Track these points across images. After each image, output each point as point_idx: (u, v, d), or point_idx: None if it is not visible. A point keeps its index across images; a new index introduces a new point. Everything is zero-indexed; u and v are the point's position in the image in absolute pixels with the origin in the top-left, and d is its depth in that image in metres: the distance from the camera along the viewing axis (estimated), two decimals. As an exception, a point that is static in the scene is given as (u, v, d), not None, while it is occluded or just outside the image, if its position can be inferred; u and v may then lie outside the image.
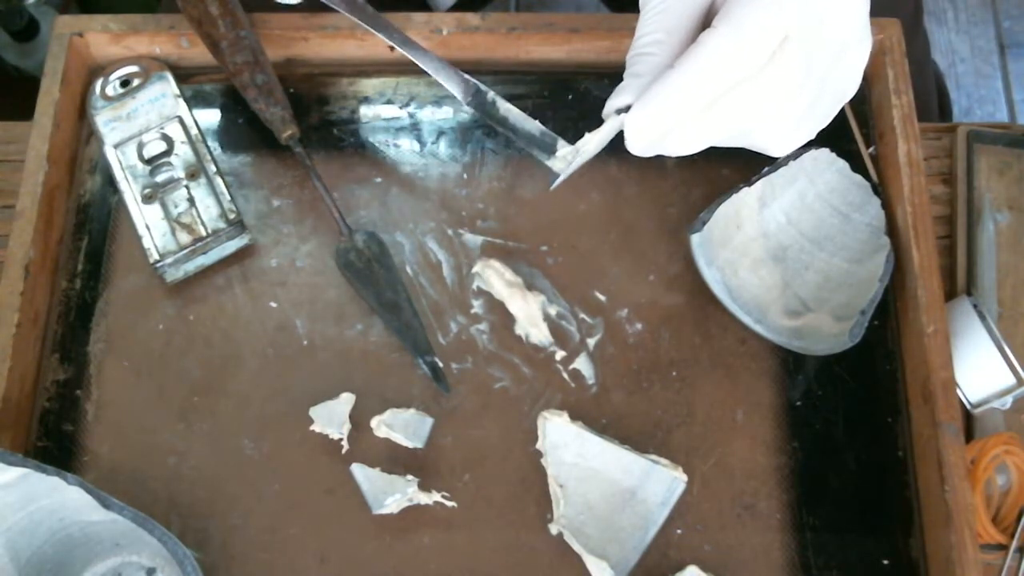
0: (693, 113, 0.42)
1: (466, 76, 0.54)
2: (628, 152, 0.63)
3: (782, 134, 0.45)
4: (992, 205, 0.65)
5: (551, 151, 0.50)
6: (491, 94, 0.52)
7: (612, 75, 0.65)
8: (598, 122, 0.64)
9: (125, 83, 0.63)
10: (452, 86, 0.54)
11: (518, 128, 0.51)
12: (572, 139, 0.64)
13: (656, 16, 0.44)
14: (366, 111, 0.65)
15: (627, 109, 0.43)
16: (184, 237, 0.60)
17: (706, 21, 0.44)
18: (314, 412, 0.56)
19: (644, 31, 0.44)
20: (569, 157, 0.48)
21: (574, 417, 0.55)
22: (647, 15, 0.44)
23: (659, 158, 0.63)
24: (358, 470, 0.55)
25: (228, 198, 0.61)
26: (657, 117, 0.42)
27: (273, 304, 0.60)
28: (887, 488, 0.56)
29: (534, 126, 0.51)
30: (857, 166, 0.60)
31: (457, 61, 0.65)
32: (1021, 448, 0.58)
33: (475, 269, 0.60)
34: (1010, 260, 0.64)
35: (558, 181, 0.48)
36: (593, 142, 0.46)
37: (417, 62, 0.55)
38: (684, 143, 0.44)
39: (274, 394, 0.57)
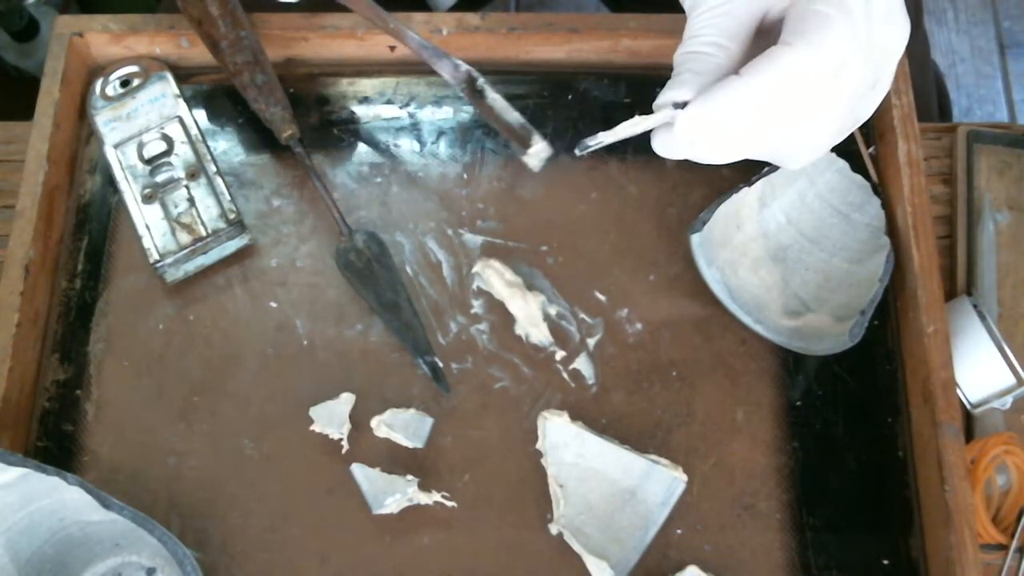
0: (751, 123, 0.42)
1: (457, 61, 0.54)
2: (628, 152, 0.63)
3: (808, 152, 0.45)
4: (992, 205, 0.65)
5: (526, 145, 0.50)
6: (481, 80, 0.52)
7: (612, 75, 0.65)
8: (597, 121, 0.65)
9: (125, 83, 0.63)
10: (443, 69, 0.54)
11: (501, 118, 0.51)
12: (573, 140, 0.64)
13: (715, 18, 0.43)
14: (366, 111, 0.65)
15: (682, 105, 0.43)
16: (184, 237, 0.60)
17: (760, 29, 0.44)
18: (314, 412, 0.56)
19: (701, 31, 0.44)
20: (602, 137, 0.47)
21: (574, 417, 0.55)
22: (703, 16, 0.44)
23: (659, 158, 0.63)
24: (358, 470, 0.55)
25: (228, 198, 0.61)
26: (715, 119, 0.42)
27: (273, 304, 0.60)
28: (887, 488, 0.56)
29: (515, 118, 0.51)
30: (857, 166, 0.60)
31: (457, 61, 0.65)
32: (1021, 448, 0.58)
33: (475, 269, 0.60)
34: (1010, 260, 0.64)
35: (588, 150, 0.46)
36: (641, 126, 0.45)
37: (410, 46, 0.55)
38: (723, 152, 0.44)
39: (274, 394, 0.57)
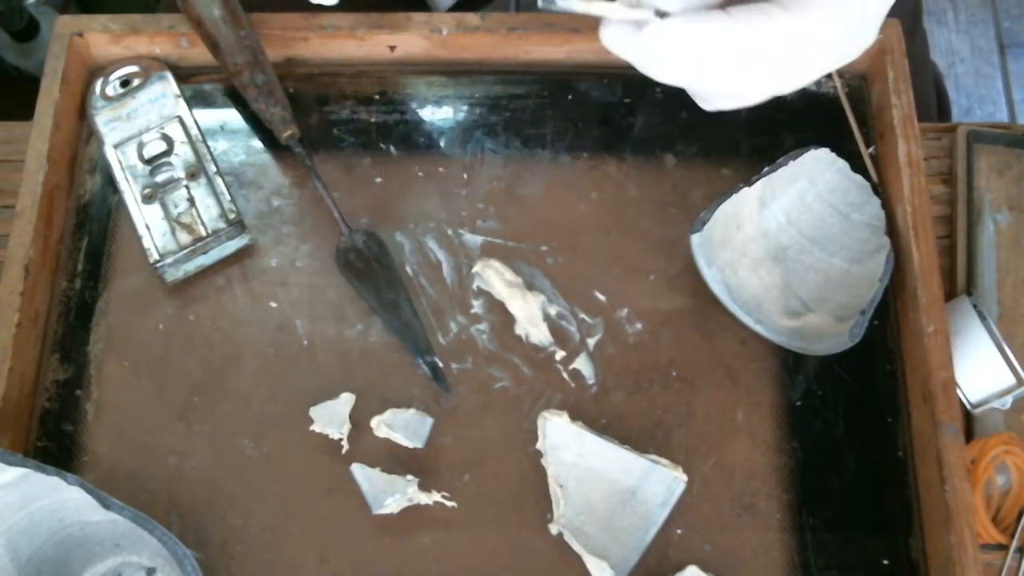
0: (713, 63, 0.42)
1: None
2: (628, 152, 0.63)
3: (735, 102, 0.45)
4: (992, 205, 0.65)
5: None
6: None
7: (612, 75, 0.65)
8: (597, 121, 0.65)
9: (125, 83, 0.63)
10: None
11: None
12: (573, 140, 0.64)
13: None
14: (366, 111, 0.65)
15: (662, 15, 0.42)
16: (184, 237, 0.60)
17: None
18: (314, 412, 0.56)
19: None
20: (573, 5, 0.45)
21: (574, 417, 0.55)
22: None
23: (659, 158, 0.63)
24: (358, 470, 0.55)
25: (228, 198, 0.61)
26: (688, 46, 0.41)
27: (273, 304, 0.60)
28: (887, 488, 0.56)
29: None
30: (857, 166, 0.60)
31: (457, 61, 0.65)
32: (1021, 448, 0.58)
33: (475, 269, 0.60)
34: (1010, 260, 0.64)
35: (553, 6, 0.43)
36: (616, 13, 0.43)
37: None
38: (671, 74, 0.43)
39: (274, 394, 0.57)
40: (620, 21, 0.43)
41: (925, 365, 0.55)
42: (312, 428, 0.56)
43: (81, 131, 0.64)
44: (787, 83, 0.44)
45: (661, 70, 0.44)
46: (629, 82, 0.65)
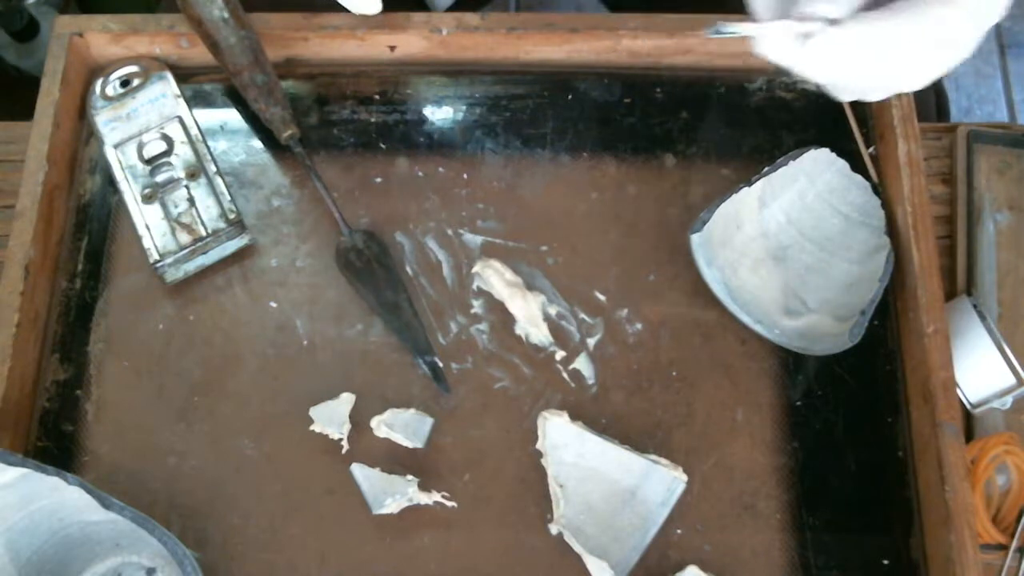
0: (888, 60, 0.42)
1: None
2: (628, 152, 0.63)
3: (895, 90, 0.46)
4: (992, 205, 0.65)
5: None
6: None
7: (611, 75, 0.65)
8: (597, 121, 0.65)
9: (125, 83, 0.63)
10: None
11: None
12: (573, 140, 0.64)
13: None
14: (366, 111, 0.65)
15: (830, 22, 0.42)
16: (184, 237, 0.60)
17: None
18: (314, 412, 0.56)
19: None
20: (742, 29, 0.45)
21: (574, 417, 0.55)
22: None
23: (659, 158, 0.63)
24: (358, 470, 0.55)
25: (228, 198, 0.61)
26: (863, 48, 0.42)
27: (273, 304, 0.60)
28: (887, 488, 0.56)
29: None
30: (857, 166, 0.60)
31: (457, 61, 0.66)
32: (1021, 448, 0.58)
33: (475, 269, 0.60)
34: (1010, 260, 0.64)
35: (719, 35, 0.44)
36: (790, 29, 0.43)
37: None
38: (842, 76, 0.44)
39: (274, 394, 0.57)
40: (784, 34, 0.43)
41: (925, 365, 0.55)
42: (312, 428, 0.56)
43: (81, 131, 0.64)
44: (941, 69, 0.45)
45: (829, 72, 0.44)
46: (629, 82, 0.65)
